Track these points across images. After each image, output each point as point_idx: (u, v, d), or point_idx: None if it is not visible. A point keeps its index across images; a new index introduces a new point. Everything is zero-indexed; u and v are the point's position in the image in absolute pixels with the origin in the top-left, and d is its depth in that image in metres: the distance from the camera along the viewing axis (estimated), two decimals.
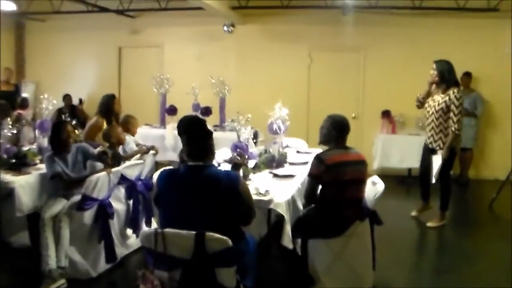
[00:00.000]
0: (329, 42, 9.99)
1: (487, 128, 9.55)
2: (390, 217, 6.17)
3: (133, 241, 5.19)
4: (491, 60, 9.22)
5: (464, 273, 5.17)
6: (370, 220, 4.27)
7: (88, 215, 4.52)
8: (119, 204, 4.97)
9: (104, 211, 4.63)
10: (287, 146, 6.19)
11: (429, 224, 6.43)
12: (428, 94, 6.37)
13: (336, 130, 4.26)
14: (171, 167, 3.77)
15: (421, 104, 6.50)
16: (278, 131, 5.34)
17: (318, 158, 4.12)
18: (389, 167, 9.02)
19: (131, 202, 5.14)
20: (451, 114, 6.05)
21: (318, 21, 9.81)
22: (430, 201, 6.76)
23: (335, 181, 4.05)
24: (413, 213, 6.83)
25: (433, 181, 6.29)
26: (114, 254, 4.74)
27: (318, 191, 4.16)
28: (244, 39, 10.21)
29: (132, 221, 5.14)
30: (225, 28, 10.01)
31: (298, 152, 6.22)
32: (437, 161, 6.21)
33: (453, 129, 6.04)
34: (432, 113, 6.23)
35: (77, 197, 4.49)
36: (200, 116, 8.12)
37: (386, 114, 9.33)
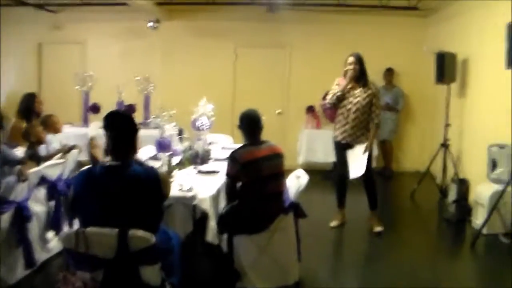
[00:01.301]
0: (254, 39, 10.03)
1: (407, 122, 9.87)
2: (316, 210, 6.30)
3: (55, 244, 5.01)
4: (411, 56, 9.54)
5: (388, 262, 5.35)
6: (294, 213, 4.32)
7: (4, 219, 4.31)
8: (39, 206, 4.80)
9: (21, 214, 4.45)
10: (212, 143, 6.19)
11: (378, 229, 6.10)
12: (345, 90, 6.01)
13: (246, 126, 4.31)
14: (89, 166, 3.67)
15: (338, 101, 6.05)
16: (203, 127, 5.32)
17: (232, 157, 4.15)
18: (314, 162, 9.14)
19: (52, 203, 4.99)
20: (374, 108, 5.97)
21: (243, 18, 9.83)
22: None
23: (253, 178, 4.09)
24: (333, 224, 6.31)
25: (359, 174, 6.00)
26: (33, 259, 4.56)
27: (239, 187, 4.18)
28: (169, 35, 10.09)
29: (54, 223, 4.99)
30: (150, 24, 9.86)
31: (223, 148, 6.23)
32: (355, 155, 6.04)
33: (377, 121, 5.99)
34: (357, 109, 5.95)
35: None
36: None
37: (310, 109, 9.47)
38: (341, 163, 6.24)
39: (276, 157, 4.23)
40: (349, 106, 6.00)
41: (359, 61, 5.99)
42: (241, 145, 4.32)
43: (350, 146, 6.08)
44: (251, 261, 4.12)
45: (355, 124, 5.99)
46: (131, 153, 3.35)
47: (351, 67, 5.98)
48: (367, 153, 6.00)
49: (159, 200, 3.31)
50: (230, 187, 4.22)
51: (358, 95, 5.98)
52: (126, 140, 3.31)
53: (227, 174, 4.21)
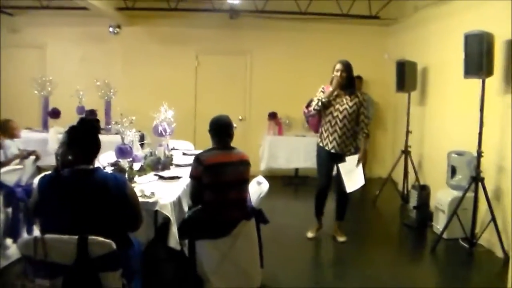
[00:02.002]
0: (216, 45, 10.05)
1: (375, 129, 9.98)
2: (279, 216, 6.36)
3: (13, 251, 4.91)
4: (373, 64, 9.67)
5: (350, 267, 5.41)
6: (256, 219, 4.33)
7: None
8: None
9: None
10: (173, 148, 6.16)
11: (342, 239, 6.09)
12: (332, 97, 5.80)
13: (216, 131, 4.30)
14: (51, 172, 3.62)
15: (324, 108, 5.83)
16: (164, 133, 5.29)
17: (197, 159, 4.15)
18: (276, 168, 9.20)
19: (10, 209, 4.90)
20: (362, 117, 5.83)
21: (205, 24, 9.84)
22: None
23: (216, 182, 4.08)
24: (310, 235, 6.21)
25: (358, 187, 5.88)
26: None
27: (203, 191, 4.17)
28: (130, 41, 10.03)
29: (12, 230, 4.89)
30: (111, 29, 9.78)
31: (184, 154, 6.21)
32: (348, 168, 5.85)
33: (366, 131, 5.85)
34: (345, 116, 5.77)
35: None
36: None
37: (272, 116, 9.52)
38: (326, 173, 6.01)
39: (242, 164, 4.23)
40: (335, 114, 5.82)
41: (347, 69, 5.81)
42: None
43: (339, 156, 5.88)
44: (213, 267, 4.11)
45: (343, 132, 5.81)
46: (94, 158, 3.33)
47: (338, 73, 5.79)
48: (360, 165, 5.88)
49: (125, 206, 3.27)
50: (194, 189, 4.21)
51: (345, 103, 5.81)
52: (95, 145, 3.31)
53: (190, 176, 4.21)
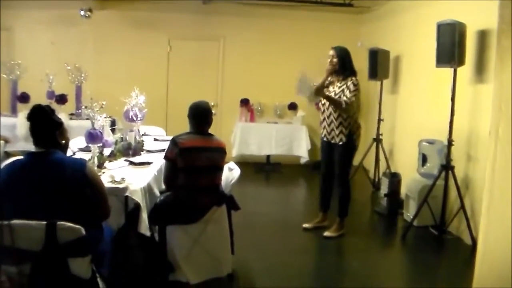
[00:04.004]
0: (188, 31, 9.96)
1: None
2: (250, 203, 6.34)
3: None
4: None
5: (320, 254, 5.45)
6: (227, 206, 4.33)
7: None
8: None
9: None
10: (144, 134, 6.11)
11: (326, 234, 5.83)
12: (324, 85, 5.68)
13: (194, 116, 4.29)
14: (21, 157, 3.56)
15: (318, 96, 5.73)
16: (135, 118, 5.24)
17: (173, 140, 4.14)
18: (248, 154, 9.22)
19: None
20: (347, 93, 5.50)
21: (178, 9, 9.74)
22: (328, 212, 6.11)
23: (190, 166, 4.08)
24: (306, 225, 6.05)
25: None
26: None
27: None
28: (102, 25, 9.84)
29: None
30: (82, 12, 9.59)
31: (155, 139, 6.16)
32: None
33: (344, 99, 5.47)
34: (331, 104, 5.64)
35: None
36: (55, 104, 7.85)
37: (244, 102, 9.52)
38: (324, 162, 5.97)
39: (217, 150, 4.24)
40: (323, 101, 5.72)
41: (339, 55, 5.65)
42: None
43: (331, 144, 5.76)
44: (184, 253, 4.10)
45: (331, 120, 5.65)
46: (54, 145, 3.25)
47: (328, 60, 5.68)
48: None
49: (86, 187, 3.20)
50: (168, 172, 4.20)
51: (333, 90, 5.65)
52: (44, 133, 3.22)
53: (165, 157, 4.19)
